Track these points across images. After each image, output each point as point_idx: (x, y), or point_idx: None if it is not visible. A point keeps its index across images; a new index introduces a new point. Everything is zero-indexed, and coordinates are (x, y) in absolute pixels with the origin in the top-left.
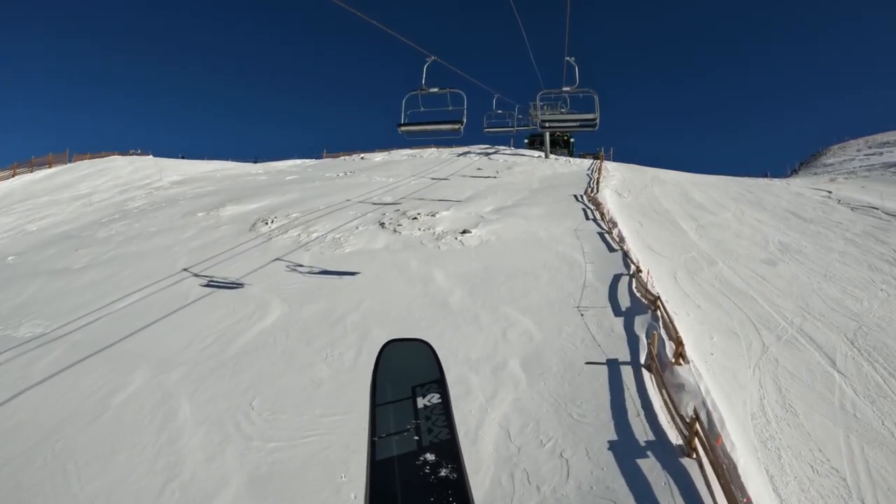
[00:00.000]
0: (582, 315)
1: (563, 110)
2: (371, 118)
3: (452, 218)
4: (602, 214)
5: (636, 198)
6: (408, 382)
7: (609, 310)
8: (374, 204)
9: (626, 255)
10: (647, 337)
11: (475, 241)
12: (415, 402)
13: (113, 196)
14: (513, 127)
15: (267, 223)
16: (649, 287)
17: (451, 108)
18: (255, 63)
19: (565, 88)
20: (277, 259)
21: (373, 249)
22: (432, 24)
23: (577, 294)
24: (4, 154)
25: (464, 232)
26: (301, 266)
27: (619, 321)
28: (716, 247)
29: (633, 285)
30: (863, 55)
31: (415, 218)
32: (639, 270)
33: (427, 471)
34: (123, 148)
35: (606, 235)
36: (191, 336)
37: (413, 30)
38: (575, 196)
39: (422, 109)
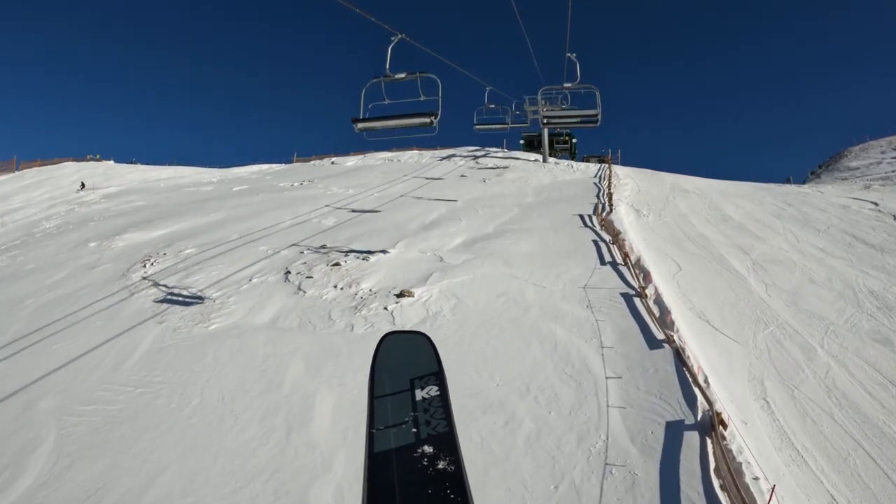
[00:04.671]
0: None
1: (563, 107)
2: None
3: (394, 263)
4: (626, 255)
5: (659, 216)
6: (406, 374)
7: None
8: (300, 235)
9: (682, 360)
10: None
11: (417, 313)
12: (413, 395)
13: (35, 213)
14: (507, 124)
15: (146, 265)
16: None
17: (422, 98)
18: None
19: (567, 84)
20: (107, 341)
21: (252, 326)
22: (431, 21)
23: (592, 491)
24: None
25: (401, 295)
26: (131, 358)
27: None
28: (795, 307)
29: (712, 465)
30: (867, 55)
31: (336, 264)
32: (722, 423)
33: (425, 463)
34: (82, 154)
35: (637, 301)
36: None
37: (412, 27)
38: (582, 218)
39: (386, 101)
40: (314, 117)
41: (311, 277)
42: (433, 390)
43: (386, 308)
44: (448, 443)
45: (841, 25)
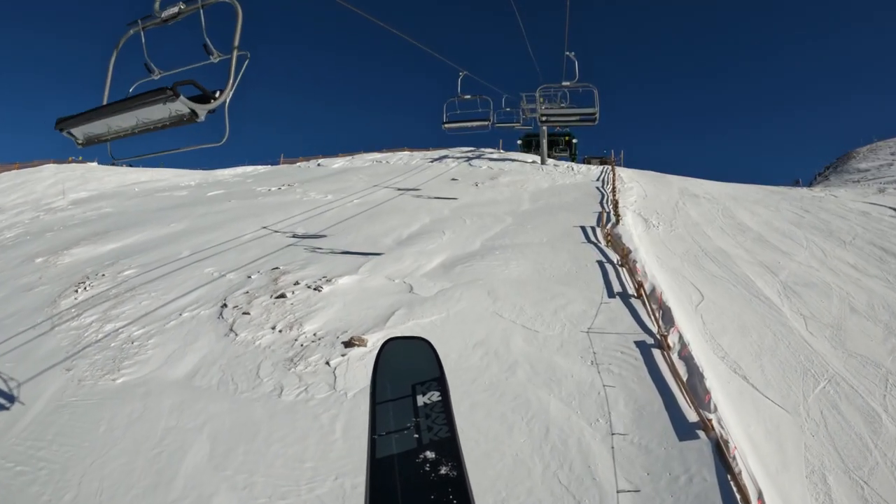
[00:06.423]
0: None
1: (562, 105)
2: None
3: (352, 295)
4: (639, 284)
5: (670, 226)
6: (408, 380)
7: None
8: (256, 252)
9: (726, 462)
10: None
11: (366, 371)
12: (415, 400)
13: (0, 221)
14: (488, 120)
15: (78, 290)
16: None
17: (216, 58)
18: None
19: (565, 83)
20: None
21: (163, 382)
22: (430, 20)
23: None
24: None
25: (350, 344)
26: (25, 417)
27: None
28: (843, 349)
29: None
30: (868, 56)
31: (282, 295)
32: None
33: (427, 469)
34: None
35: (658, 354)
36: None
37: (413, 27)
38: (584, 230)
39: (157, 75)
40: (312, 116)
41: (248, 314)
42: (435, 396)
43: (328, 363)
44: (450, 448)
45: (842, 26)
